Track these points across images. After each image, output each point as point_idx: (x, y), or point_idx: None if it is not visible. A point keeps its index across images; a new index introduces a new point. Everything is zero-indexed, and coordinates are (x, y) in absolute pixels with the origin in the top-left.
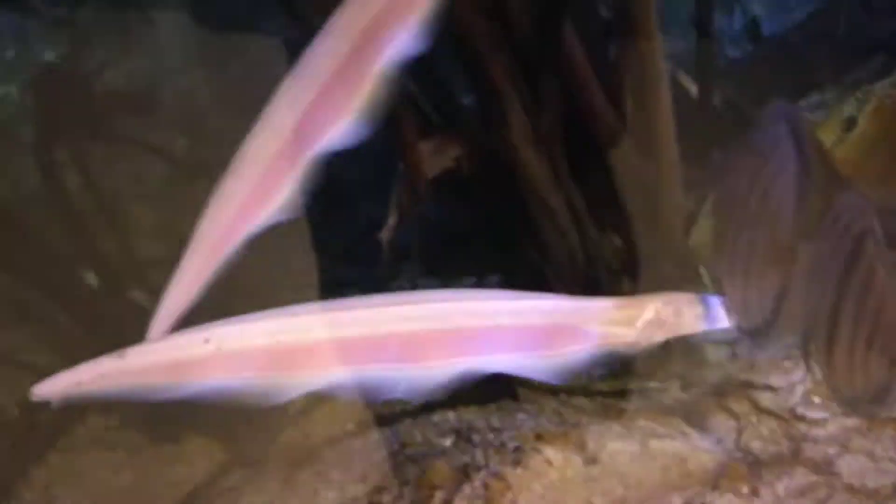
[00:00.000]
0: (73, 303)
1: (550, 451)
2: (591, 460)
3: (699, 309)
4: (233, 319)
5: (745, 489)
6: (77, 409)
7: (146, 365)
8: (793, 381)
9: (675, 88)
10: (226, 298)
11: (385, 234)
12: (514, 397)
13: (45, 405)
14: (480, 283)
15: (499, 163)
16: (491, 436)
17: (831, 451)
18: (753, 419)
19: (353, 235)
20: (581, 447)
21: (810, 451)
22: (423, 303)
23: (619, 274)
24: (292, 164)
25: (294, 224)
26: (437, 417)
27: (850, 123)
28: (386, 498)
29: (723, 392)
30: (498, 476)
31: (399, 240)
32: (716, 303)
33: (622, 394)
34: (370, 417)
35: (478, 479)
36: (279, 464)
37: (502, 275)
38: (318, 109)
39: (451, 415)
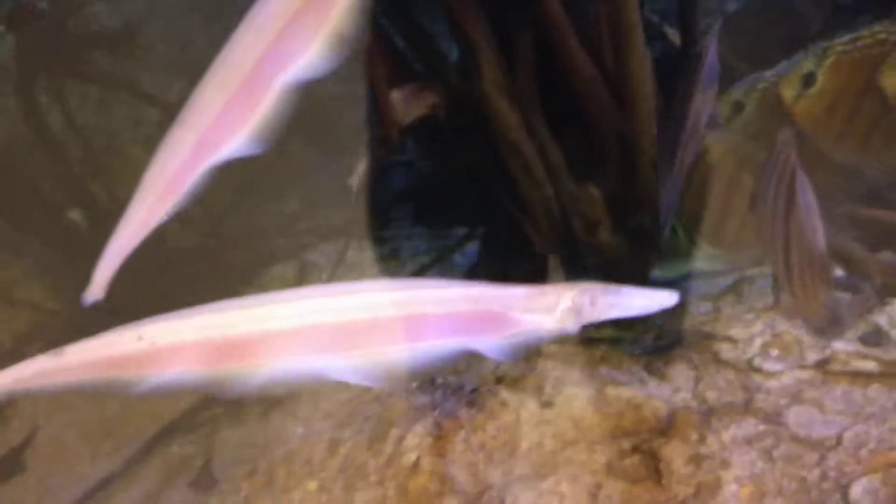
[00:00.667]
0: (63, 242)
1: (506, 394)
2: (547, 404)
3: (612, 298)
4: (166, 316)
5: (693, 436)
6: (65, 343)
7: (82, 362)
8: (752, 334)
9: (661, 42)
10: (218, 242)
11: (354, 180)
12: None
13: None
14: (472, 233)
15: (478, 112)
16: (453, 378)
17: (782, 402)
18: (712, 369)
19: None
20: (538, 391)
21: (762, 401)
22: (353, 294)
23: (595, 225)
24: (241, 118)
25: (288, 169)
26: None
27: (810, 79)
28: (346, 433)
29: (686, 343)
30: (451, 416)
31: (389, 188)
32: (629, 292)
33: (594, 342)
34: None
35: (430, 418)
36: (257, 401)
37: (486, 225)
38: (265, 67)
39: None
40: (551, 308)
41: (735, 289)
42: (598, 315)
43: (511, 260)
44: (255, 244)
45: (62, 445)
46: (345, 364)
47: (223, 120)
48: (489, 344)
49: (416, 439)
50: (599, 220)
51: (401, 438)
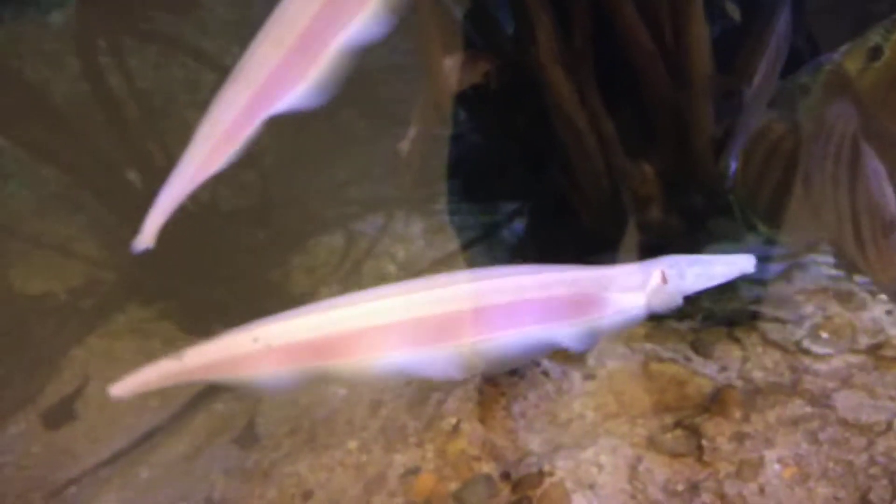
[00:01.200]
0: (120, 201)
1: (549, 364)
2: (589, 376)
3: (698, 268)
4: (277, 317)
5: (737, 415)
6: (118, 299)
7: (202, 364)
8: (802, 316)
9: (721, 20)
10: (270, 208)
11: (403, 146)
12: None
13: (90, 292)
14: (520, 209)
15: (532, 82)
16: None
17: (831, 385)
18: (759, 350)
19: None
20: (581, 363)
21: (810, 383)
22: (452, 285)
23: (646, 202)
24: (296, 74)
25: (340, 139)
26: None
27: (876, 52)
28: (387, 396)
29: (734, 322)
30: (492, 382)
31: (439, 160)
32: (712, 260)
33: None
34: None
35: (472, 384)
36: None
37: (534, 200)
38: (320, 25)
39: None
40: (642, 286)
41: (787, 274)
42: (686, 287)
43: (558, 235)
44: (305, 212)
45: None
46: (455, 353)
47: (278, 75)
48: (585, 327)
49: (456, 404)
50: (651, 197)
51: (441, 402)
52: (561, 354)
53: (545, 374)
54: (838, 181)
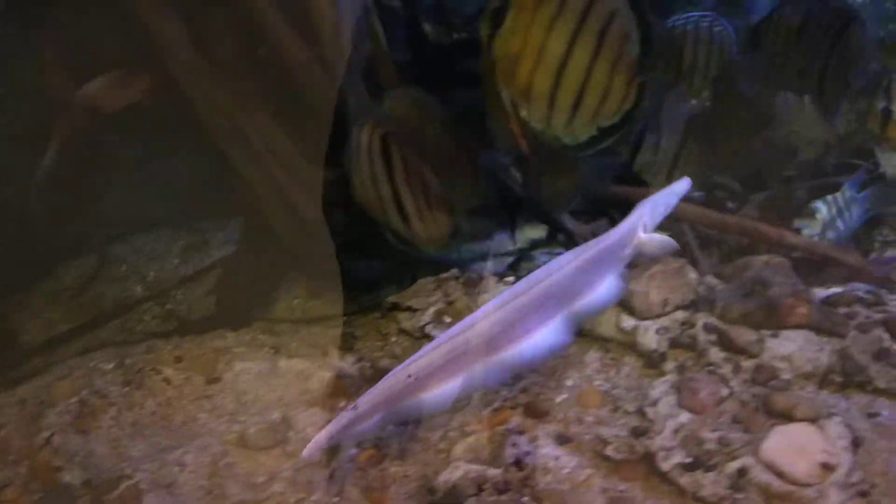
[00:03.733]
0: None
1: (171, 372)
2: (215, 380)
3: (661, 207)
4: (423, 350)
5: (342, 404)
6: None
7: (372, 408)
8: (430, 303)
9: None
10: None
11: (45, 161)
12: None
13: None
14: None
15: None
16: (130, 361)
17: None
18: (394, 339)
19: None
20: (210, 368)
21: None
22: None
23: (333, 206)
24: None
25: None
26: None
27: (497, 16)
28: (10, 413)
29: (382, 315)
30: (101, 395)
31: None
32: (666, 192)
33: (320, 320)
34: None
35: (76, 399)
36: None
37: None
38: None
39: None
40: (630, 244)
41: (516, 265)
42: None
43: (267, 243)
44: (60, 236)
45: None
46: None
47: None
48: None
49: (59, 417)
50: (336, 202)
51: (46, 417)
52: (198, 361)
53: (167, 381)
54: (376, 173)
